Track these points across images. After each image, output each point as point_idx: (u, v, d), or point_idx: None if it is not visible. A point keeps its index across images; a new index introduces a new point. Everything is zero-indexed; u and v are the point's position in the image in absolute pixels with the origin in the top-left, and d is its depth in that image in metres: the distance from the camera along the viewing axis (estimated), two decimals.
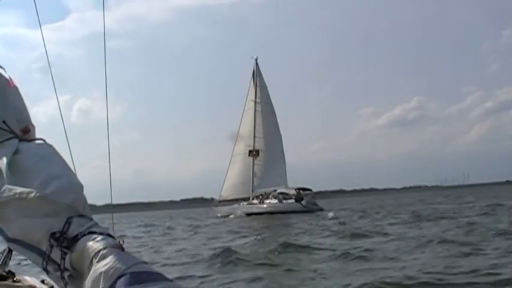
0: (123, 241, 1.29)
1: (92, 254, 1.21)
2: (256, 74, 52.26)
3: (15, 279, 1.98)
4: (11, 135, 1.51)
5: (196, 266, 11.45)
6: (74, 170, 1.54)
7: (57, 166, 1.45)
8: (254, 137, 50.28)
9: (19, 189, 1.35)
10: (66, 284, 1.27)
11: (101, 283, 1.14)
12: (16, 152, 1.45)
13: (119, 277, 1.13)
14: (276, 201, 44.61)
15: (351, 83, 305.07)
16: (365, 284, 7.94)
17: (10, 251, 1.84)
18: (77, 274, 1.26)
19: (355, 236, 16.18)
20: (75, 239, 1.28)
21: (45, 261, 1.31)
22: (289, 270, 10.10)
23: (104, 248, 1.21)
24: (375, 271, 9.16)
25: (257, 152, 49.71)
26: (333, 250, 12.38)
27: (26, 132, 1.58)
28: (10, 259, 1.92)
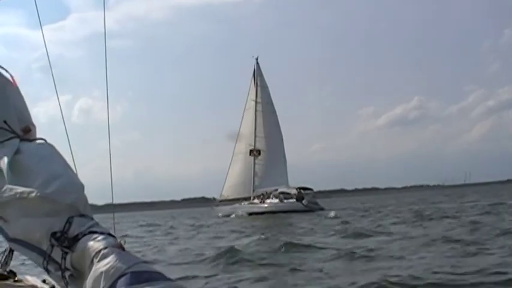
0: (125, 241, 1.29)
1: (93, 254, 1.21)
2: (257, 74, 52.28)
3: (16, 278, 1.98)
4: (11, 135, 1.51)
5: (201, 265, 11.42)
6: (74, 170, 1.54)
7: (58, 166, 1.45)
8: (255, 136, 50.28)
9: (20, 189, 1.35)
10: (67, 284, 1.27)
11: (101, 283, 1.14)
12: (17, 151, 1.45)
13: (120, 277, 1.13)
14: (277, 200, 44.64)
15: (351, 83, 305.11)
16: (372, 283, 7.91)
17: (11, 250, 1.85)
18: (78, 274, 1.26)
19: (359, 235, 16.17)
20: (76, 238, 1.28)
21: (46, 261, 1.31)
22: (294, 269, 10.05)
23: (105, 248, 1.21)
24: (381, 270, 9.14)
25: (258, 151, 49.71)
26: (338, 249, 12.33)
27: (26, 132, 1.57)
28: (11, 259, 1.92)
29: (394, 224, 21.29)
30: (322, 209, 42.65)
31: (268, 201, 45.11)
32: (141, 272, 1.14)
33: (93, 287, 1.16)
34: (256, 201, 46.49)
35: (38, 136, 1.60)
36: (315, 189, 49.47)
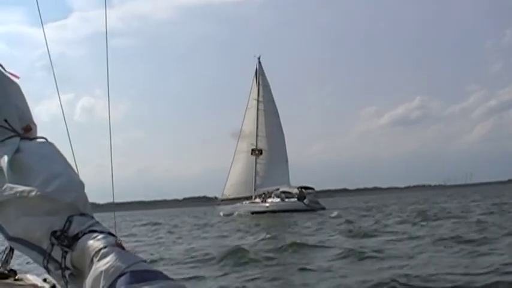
0: (121, 240, 1.28)
1: (93, 253, 1.21)
2: (259, 73, 52.30)
3: (16, 277, 1.98)
4: (12, 134, 1.50)
5: (209, 265, 11.39)
6: (75, 169, 1.53)
7: (59, 165, 1.44)
8: (257, 136, 50.27)
9: (20, 188, 1.35)
10: (67, 283, 1.27)
11: (101, 282, 1.14)
12: (17, 150, 1.45)
13: (120, 276, 1.13)
14: (278, 200, 44.63)
15: (351, 83, 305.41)
16: (384, 283, 7.88)
17: (11, 249, 1.85)
18: (78, 273, 1.26)
19: (365, 234, 16.15)
20: (76, 237, 1.28)
21: (46, 260, 1.30)
22: (303, 269, 10.01)
23: (105, 247, 1.20)
24: (392, 269, 9.13)
25: (260, 151, 49.71)
26: (345, 249, 12.28)
27: (27, 130, 1.57)
28: (11, 258, 1.93)
29: (399, 223, 21.25)
30: (323, 208, 42.63)
31: (269, 200, 45.12)
32: (141, 271, 1.14)
33: (93, 286, 1.16)
34: (257, 200, 46.50)
35: (39, 135, 1.60)
36: (317, 189, 49.53)
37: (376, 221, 23.74)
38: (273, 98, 52.13)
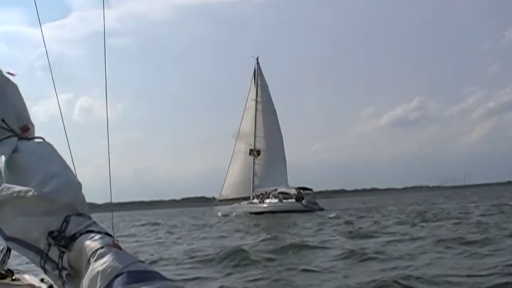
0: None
1: (90, 253, 1.21)
2: (257, 74, 52.28)
3: (14, 277, 1.98)
4: (10, 134, 1.51)
5: (210, 266, 11.33)
6: (73, 169, 1.53)
7: (56, 165, 1.44)
8: (255, 136, 50.28)
9: (17, 188, 1.35)
10: (64, 283, 1.27)
11: (98, 282, 1.14)
12: (15, 150, 1.45)
13: (116, 276, 1.13)
14: (276, 200, 44.61)
15: (351, 83, 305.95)
16: (386, 283, 7.86)
17: (8, 249, 1.85)
18: (75, 273, 1.26)
19: (365, 235, 16.11)
20: (73, 237, 1.28)
21: (43, 260, 1.30)
22: (306, 270, 9.97)
23: (102, 247, 1.20)
24: (394, 271, 9.09)
25: (258, 151, 49.70)
26: (346, 249, 12.24)
27: (25, 130, 1.57)
28: (9, 258, 1.92)
29: (398, 224, 21.22)
30: (321, 209, 42.63)
31: (267, 201, 45.08)
32: (138, 272, 1.14)
33: (89, 286, 1.16)
34: (255, 201, 46.47)
35: (37, 135, 1.60)
36: (315, 190, 49.49)
37: (376, 222, 23.68)
38: (271, 98, 52.21)
